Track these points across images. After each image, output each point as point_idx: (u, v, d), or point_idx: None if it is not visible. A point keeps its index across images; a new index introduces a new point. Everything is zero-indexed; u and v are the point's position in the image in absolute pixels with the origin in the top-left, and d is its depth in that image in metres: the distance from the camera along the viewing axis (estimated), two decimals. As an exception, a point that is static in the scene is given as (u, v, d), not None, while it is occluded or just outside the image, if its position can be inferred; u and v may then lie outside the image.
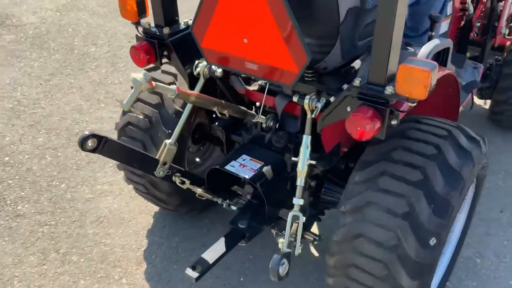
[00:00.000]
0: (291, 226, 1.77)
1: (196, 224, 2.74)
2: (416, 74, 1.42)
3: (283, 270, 1.63)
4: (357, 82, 1.56)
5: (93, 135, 1.79)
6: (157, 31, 2.01)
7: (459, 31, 2.88)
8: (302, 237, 1.81)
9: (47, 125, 3.55)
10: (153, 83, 1.61)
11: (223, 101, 1.93)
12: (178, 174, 2.15)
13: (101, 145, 1.82)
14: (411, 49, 1.84)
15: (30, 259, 2.54)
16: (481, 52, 3.01)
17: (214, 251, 2.00)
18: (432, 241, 1.62)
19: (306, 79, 1.90)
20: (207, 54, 1.87)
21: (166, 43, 2.00)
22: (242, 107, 2.02)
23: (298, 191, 1.77)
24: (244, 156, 2.07)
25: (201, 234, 2.67)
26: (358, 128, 1.52)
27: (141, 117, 2.23)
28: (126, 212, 2.82)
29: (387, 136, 1.70)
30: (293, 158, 1.80)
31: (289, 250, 1.72)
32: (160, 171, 2.08)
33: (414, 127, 1.83)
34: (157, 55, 2.02)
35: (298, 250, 1.77)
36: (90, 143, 1.80)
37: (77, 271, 2.47)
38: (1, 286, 2.37)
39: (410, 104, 1.52)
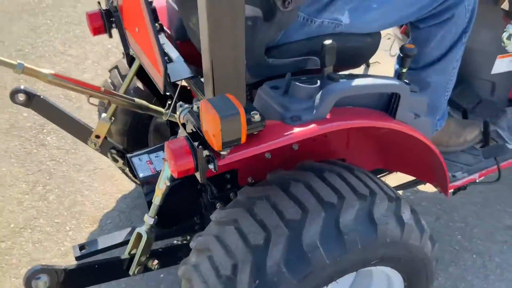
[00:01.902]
0: (138, 244, 1.60)
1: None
2: (207, 116, 1.09)
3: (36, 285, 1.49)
4: (195, 106, 1.28)
5: (24, 91, 1.85)
6: (109, 2, 1.93)
7: None
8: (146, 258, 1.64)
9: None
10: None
11: (103, 87, 1.78)
12: (113, 150, 2.11)
13: (32, 101, 1.87)
14: (331, 82, 1.42)
15: (22, 185, 2.81)
16: None
17: (110, 239, 1.93)
18: None
19: None
20: (127, 36, 1.74)
21: (114, 15, 1.92)
22: (140, 101, 1.84)
23: (152, 209, 1.57)
24: (159, 153, 1.91)
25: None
26: (171, 161, 1.26)
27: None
28: (118, 171, 2.90)
29: (277, 176, 1.46)
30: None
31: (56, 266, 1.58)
32: (92, 143, 2.07)
33: (314, 175, 1.45)
34: (105, 26, 1.95)
35: (133, 270, 1.60)
36: (20, 98, 1.87)
37: (44, 210, 2.66)
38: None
39: (221, 152, 1.18)
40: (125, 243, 1.93)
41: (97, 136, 2.05)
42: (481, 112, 2.04)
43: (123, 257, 1.63)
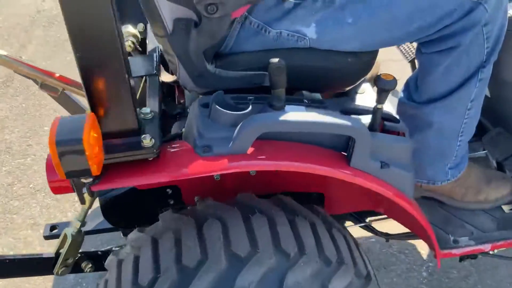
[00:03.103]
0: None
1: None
2: (49, 139, 0.91)
3: None
4: None
5: None
6: None
7: None
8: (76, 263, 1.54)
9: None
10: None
11: (58, 74, 1.66)
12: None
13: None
14: (268, 110, 1.16)
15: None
16: None
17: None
18: None
19: None
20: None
21: None
22: None
23: (80, 212, 1.46)
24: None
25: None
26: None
27: None
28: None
29: (202, 206, 1.29)
30: None
31: None
32: None
33: (240, 215, 1.21)
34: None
35: (57, 269, 1.52)
36: None
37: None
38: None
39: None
40: (100, 230, 1.88)
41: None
42: (519, 166, 1.59)
43: (46, 255, 1.56)
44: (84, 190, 1.05)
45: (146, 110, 1.15)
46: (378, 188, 1.22)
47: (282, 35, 1.22)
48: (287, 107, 1.19)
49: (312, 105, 1.28)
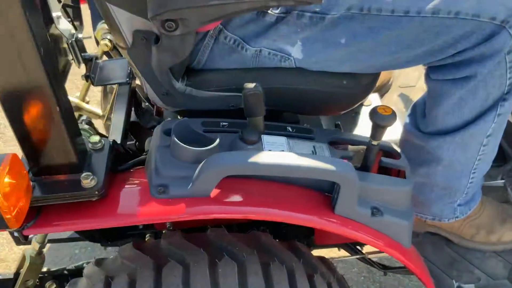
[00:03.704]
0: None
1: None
2: None
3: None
4: None
5: None
6: None
7: None
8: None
9: None
10: None
11: None
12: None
13: None
14: (240, 145, 0.98)
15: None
16: None
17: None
18: None
19: None
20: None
21: None
22: (73, 99, 1.53)
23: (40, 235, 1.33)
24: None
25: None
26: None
27: None
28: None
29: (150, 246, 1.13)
30: None
31: None
32: None
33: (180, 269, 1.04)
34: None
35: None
36: None
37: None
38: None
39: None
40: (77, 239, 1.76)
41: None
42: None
43: (5, 276, 1.43)
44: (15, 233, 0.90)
45: (94, 138, 0.98)
46: (366, 239, 1.04)
47: (262, 53, 1.03)
48: (261, 142, 1.01)
49: (296, 135, 1.10)
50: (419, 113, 1.23)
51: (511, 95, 1.07)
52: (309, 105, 1.16)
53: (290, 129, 1.11)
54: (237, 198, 0.97)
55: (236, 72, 1.08)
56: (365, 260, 1.57)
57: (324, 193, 1.05)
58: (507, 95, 1.07)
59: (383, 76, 1.89)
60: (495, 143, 1.18)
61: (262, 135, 1.05)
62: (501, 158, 1.60)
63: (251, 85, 0.97)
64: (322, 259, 1.28)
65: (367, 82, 1.15)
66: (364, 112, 1.72)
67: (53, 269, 1.51)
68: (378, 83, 1.89)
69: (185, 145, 0.94)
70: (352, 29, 0.99)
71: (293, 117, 1.27)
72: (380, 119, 0.99)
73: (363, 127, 1.62)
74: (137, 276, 1.04)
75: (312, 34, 1.00)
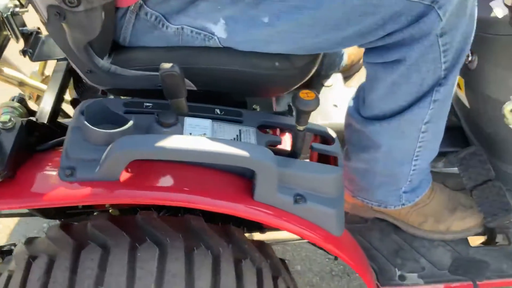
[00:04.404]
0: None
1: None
2: None
3: None
4: None
5: None
6: None
7: None
8: None
9: None
10: None
11: None
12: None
13: None
14: (156, 127, 0.94)
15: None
16: None
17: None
18: None
19: None
20: None
21: None
22: (17, 74, 1.48)
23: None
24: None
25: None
26: None
27: None
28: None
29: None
30: None
31: None
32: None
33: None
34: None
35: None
36: None
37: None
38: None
39: None
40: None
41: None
42: (489, 193, 1.32)
43: None
44: None
45: (4, 118, 0.95)
46: (288, 226, 1.00)
47: (184, 31, 0.99)
48: (183, 124, 0.97)
49: (224, 118, 1.06)
50: (361, 97, 1.17)
51: (447, 80, 1.01)
52: (242, 87, 1.11)
53: (218, 111, 1.07)
54: (148, 182, 0.94)
55: (160, 50, 1.04)
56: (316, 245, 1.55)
57: (248, 179, 1.02)
58: (443, 80, 1.01)
59: (353, 55, 1.82)
60: (435, 129, 1.13)
61: (185, 118, 1.02)
62: (464, 144, 1.55)
63: (167, 65, 0.93)
64: (259, 244, 1.25)
65: (302, 64, 1.09)
66: (324, 93, 1.67)
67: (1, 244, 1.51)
68: (347, 63, 1.84)
69: (92, 127, 0.91)
70: (275, 8, 0.93)
71: (239, 99, 1.23)
72: (302, 104, 0.94)
73: (320, 109, 1.57)
74: (56, 258, 1.03)
75: (235, 12, 0.95)
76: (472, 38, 1.01)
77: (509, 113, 1.03)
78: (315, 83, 1.66)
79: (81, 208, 1.36)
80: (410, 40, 0.94)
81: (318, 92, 1.63)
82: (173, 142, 0.89)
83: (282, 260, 1.34)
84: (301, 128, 0.99)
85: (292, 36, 0.97)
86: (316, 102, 0.94)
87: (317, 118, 1.52)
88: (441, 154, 1.52)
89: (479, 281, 1.26)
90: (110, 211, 1.36)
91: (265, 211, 0.98)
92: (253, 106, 1.24)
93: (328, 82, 1.67)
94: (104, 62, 1.04)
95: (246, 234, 1.28)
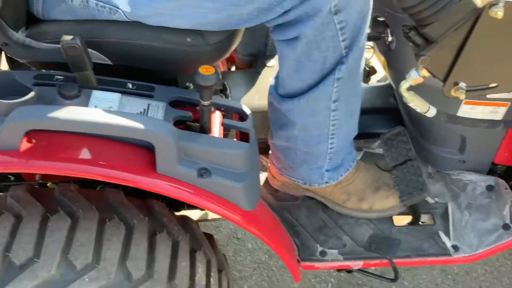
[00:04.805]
0: None
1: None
2: None
3: None
4: None
5: None
6: None
7: None
8: None
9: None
10: None
11: None
12: None
13: None
14: (58, 100, 0.96)
15: None
16: None
17: None
18: None
19: None
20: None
21: None
22: None
23: None
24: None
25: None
26: None
27: None
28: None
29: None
30: None
31: None
32: None
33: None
34: None
35: None
36: None
37: None
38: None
39: None
40: None
41: None
42: (406, 172, 1.35)
43: None
44: None
45: None
46: (192, 199, 1.03)
47: (89, 4, 1.00)
48: (88, 97, 0.99)
49: (134, 92, 1.07)
50: (280, 76, 1.19)
51: (348, 58, 1.03)
52: (155, 62, 1.13)
53: (130, 86, 1.09)
54: (50, 153, 0.96)
55: (70, 24, 1.05)
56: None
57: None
58: (345, 59, 1.03)
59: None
60: (347, 108, 1.15)
61: (93, 91, 1.03)
62: (401, 125, 1.57)
63: (68, 37, 0.94)
64: (181, 218, 1.28)
65: (216, 41, 1.11)
66: (266, 73, 1.68)
67: None
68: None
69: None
70: None
71: (169, 77, 1.25)
72: (201, 79, 0.96)
73: (258, 88, 1.59)
74: (22, 222, 1.04)
75: None
76: (369, 16, 1.02)
77: (405, 91, 1.05)
78: (259, 64, 1.67)
79: (12, 180, 1.38)
80: (305, 17, 0.96)
81: (260, 73, 1.65)
82: (68, 113, 0.91)
83: (209, 235, 1.37)
84: (205, 103, 1.01)
85: (194, 11, 0.99)
86: (215, 77, 0.96)
87: (254, 98, 1.54)
88: (376, 135, 1.55)
89: (394, 259, 1.30)
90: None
91: (166, 183, 1.00)
92: (186, 84, 1.26)
93: (270, 63, 1.69)
94: (19, 35, 1.06)
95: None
